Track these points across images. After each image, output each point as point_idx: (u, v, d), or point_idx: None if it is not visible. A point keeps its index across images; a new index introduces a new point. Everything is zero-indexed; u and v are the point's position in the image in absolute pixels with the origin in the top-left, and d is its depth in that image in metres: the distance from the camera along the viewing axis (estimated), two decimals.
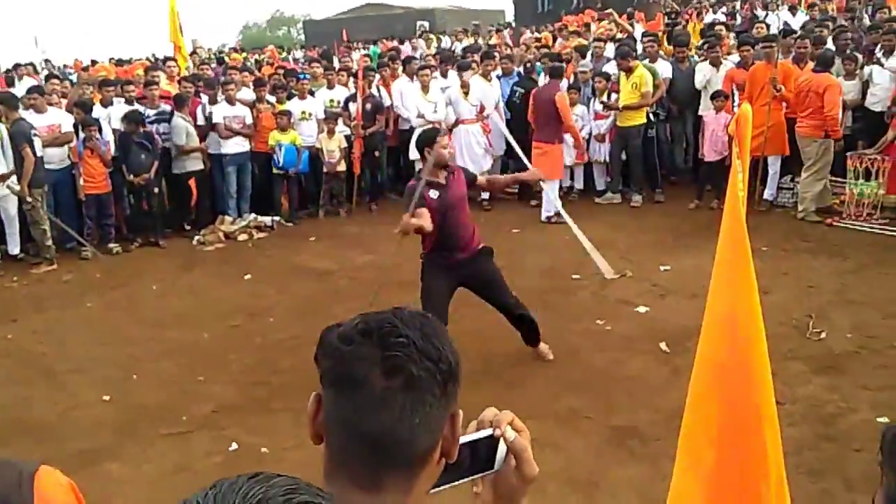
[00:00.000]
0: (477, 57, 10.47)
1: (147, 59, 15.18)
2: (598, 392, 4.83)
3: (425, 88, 9.49)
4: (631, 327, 5.81)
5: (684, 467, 1.73)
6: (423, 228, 4.81)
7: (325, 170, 9.51)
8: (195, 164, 9.05)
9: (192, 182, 9.11)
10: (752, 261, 1.66)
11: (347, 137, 9.58)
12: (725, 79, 8.94)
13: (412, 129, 9.39)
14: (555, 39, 14.39)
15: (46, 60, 17.13)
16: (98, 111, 8.85)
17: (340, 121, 9.56)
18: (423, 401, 0.98)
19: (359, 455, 0.99)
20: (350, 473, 0.99)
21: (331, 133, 9.40)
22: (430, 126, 5.40)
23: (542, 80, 9.84)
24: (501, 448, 1.12)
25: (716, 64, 9.13)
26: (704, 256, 6.96)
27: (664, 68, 9.54)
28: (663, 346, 5.35)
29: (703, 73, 9.20)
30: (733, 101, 8.85)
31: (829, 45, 9.28)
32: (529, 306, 6.32)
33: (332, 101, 9.85)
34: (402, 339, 0.99)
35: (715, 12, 16.66)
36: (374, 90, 9.92)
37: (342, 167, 9.55)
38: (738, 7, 16.67)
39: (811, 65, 8.30)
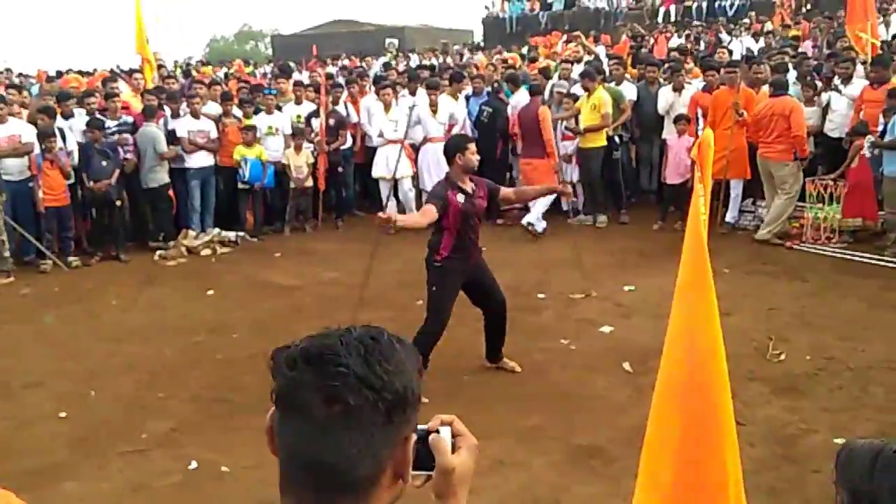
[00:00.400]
0: (446, 77, 10.54)
1: (111, 70, 14.97)
2: (562, 411, 4.84)
3: (387, 107, 9.51)
4: (595, 347, 5.84)
5: (644, 486, 1.74)
6: (415, 225, 5.09)
7: (291, 185, 9.47)
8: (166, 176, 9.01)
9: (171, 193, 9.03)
10: (712, 282, 1.68)
11: (314, 153, 9.57)
12: (691, 102, 9.11)
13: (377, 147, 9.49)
14: (531, 60, 14.51)
15: (8, 70, 16.83)
16: (59, 123, 8.71)
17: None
18: (362, 430, 0.97)
19: (303, 479, 0.99)
20: (298, 494, 1.00)
21: (298, 148, 9.38)
22: (461, 133, 5.56)
23: (513, 99, 9.94)
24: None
25: (678, 88, 9.29)
26: (668, 277, 6.98)
27: (629, 91, 9.69)
28: (626, 365, 5.39)
29: (666, 98, 9.36)
30: (698, 124, 9.00)
31: (791, 71, 9.51)
32: None
33: (298, 116, 9.83)
34: (342, 369, 0.98)
35: (679, 37, 17.00)
36: (340, 106, 9.93)
37: (309, 183, 9.52)
38: (701, 32, 17.01)
39: (766, 89, 8.50)
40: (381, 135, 9.46)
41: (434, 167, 9.40)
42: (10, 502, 1.37)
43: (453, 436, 1.17)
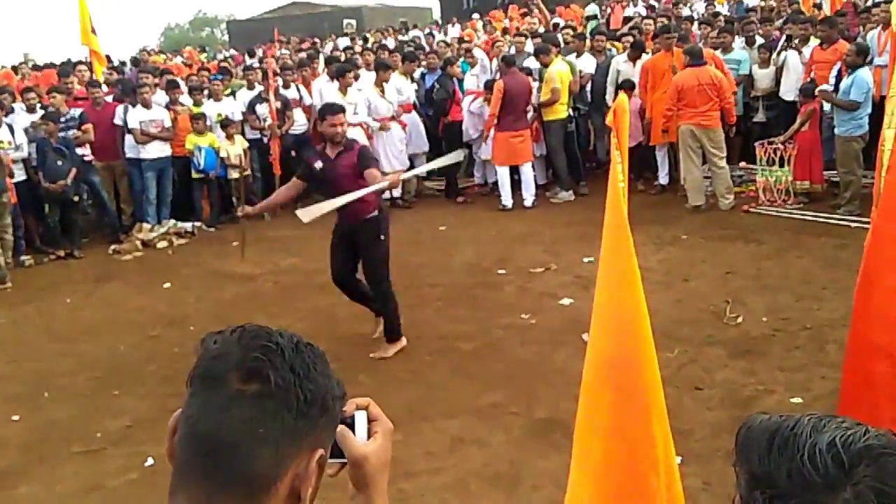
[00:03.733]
0: (399, 56, 10.42)
1: (51, 63, 14.55)
2: (522, 386, 4.83)
3: (343, 90, 9.34)
4: (555, 320, 5.83)
5: (577, 462, 1.71)
6: (280, 201, 6.07)
7: (232, 175, 9.29)
8: None
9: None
10: (633, 252, 1.65)
11: (253, 140, 9.44)
12: (642, 70, 9.10)
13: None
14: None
15: None
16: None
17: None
18: (275, 413, 0.92)
19: (195, 466, 0.92)
20: (186, 493, 0.92)
21: (230, 137, 9.21)
22: (329, 103, 5.64)
23: (470, 76, 9.89)
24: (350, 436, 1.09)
25: (633, 59, 9.25)
26: None
27: (587, 63, 9.65)
28: (585, 337, 5.36)
29: (619, 69, 9.32)
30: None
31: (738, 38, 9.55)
32: (456, 302, 6.37)
33: (248, 102, 9.68)
34: (271, 346, 0.94)
35: (636, 5, 16.97)
36: (292, 90, 9.79)
37: (247, 172, 9.38)
38: (654, 2, 16.98)
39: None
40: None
41: (389, 146, 9.32)
42: None
43: (369, 420, 1.12)
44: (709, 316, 5.63)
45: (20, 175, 8.24)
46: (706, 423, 4.22)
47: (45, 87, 9.88)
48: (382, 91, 9.27)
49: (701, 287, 6.17)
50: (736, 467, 0.98)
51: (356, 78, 9.50)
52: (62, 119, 8.69)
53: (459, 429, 4.39)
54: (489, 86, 9.12)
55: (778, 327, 5.37)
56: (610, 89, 9.25)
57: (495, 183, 9.60)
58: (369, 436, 1.10)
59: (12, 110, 8.80)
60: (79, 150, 8.61)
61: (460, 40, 13.44)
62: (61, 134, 8.52)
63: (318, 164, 5.37)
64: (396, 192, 9.44)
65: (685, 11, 13.49)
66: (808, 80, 8.35)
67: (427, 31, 18.59)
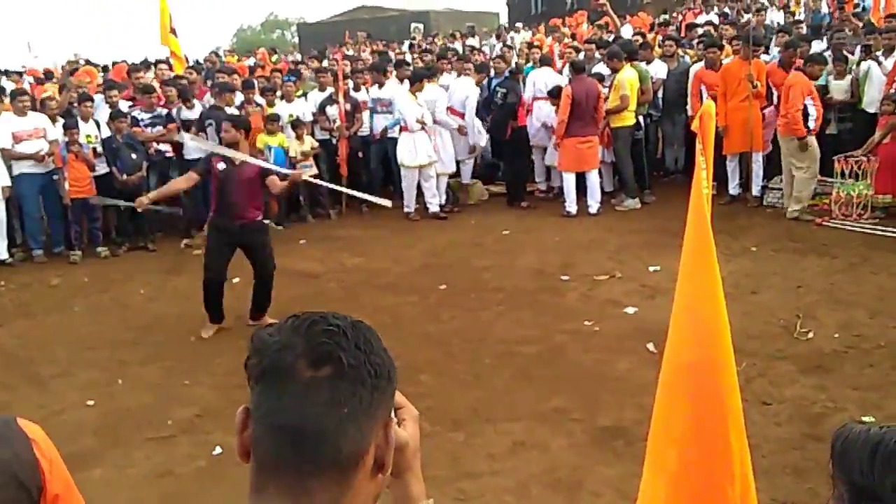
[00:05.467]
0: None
1: (124, 61, 15.01)
2: (585, 392, 4.81)
3: (414, 94, 9.41)
4: (619, 327, 5.79)
5: (651, 469, 1.71)
6: (174, 190, 6.47)
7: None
8: None
9: None
10: (716, 259, 1.64)
11: (322, 141, 9.56)
12: (694, 79, 8.97)
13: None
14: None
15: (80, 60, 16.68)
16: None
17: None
18: (352, 392, 0.94)
19: (284, 456, 0.93)
20: (277, 482, 0.94)
21: (299, 138, 9.34)
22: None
23: (530, 78, 9.85)
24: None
25: (712, 65, 9.07)
26: None
27: (658, 69, 9.55)
28: (650, 346, 5.33)
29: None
30: (701, 101, 8.89)
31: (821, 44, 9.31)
32: (518, 306, 6.37)
33: (319, 103, 9.83)
34: (332, 329, 0.96)
35: (707, 13, 16.69)
36: (362, 92, 9.93)
37: (314, 171, 9.48)
38: (728, 9, 16.68)
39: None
40: (419, 121, 9.33)
41: (442, 150, 9.38)
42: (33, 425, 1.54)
43: (396, 407, 1.12)
44: (778, 330, 5.51)
45: (102, 168, 8.54)
46: (774, 439, 4.13)
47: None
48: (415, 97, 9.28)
49: (770, 300, 6.04)
50: (833, 476, 0.98)
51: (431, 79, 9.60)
52: (150, 116, 8.98)
53: (521, 432, 4.39)
54: (555, 93, 9.11)
55: (850, 344, 5.23)
56: (690, 97, 9.18)
57: (560, 188, 9.57)
58: (399, 424, 1.11)
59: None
60: (161, 147, 8.90)
61: (529, 45, 13.42)
62: (147, 130, 8.81)
63: (221, 167, 5.76)
64: (434, 208, 9.46)
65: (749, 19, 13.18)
66: (892, 90, 8.09)
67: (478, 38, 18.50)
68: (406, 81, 9.79)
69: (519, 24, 21.36)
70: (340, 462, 0.94)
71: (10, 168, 8.25)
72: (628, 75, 8.90)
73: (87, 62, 15.78)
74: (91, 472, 4.27)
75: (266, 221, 5.84)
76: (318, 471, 0.93)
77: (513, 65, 10.76)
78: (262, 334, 0.99)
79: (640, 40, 10.79)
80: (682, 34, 12.78)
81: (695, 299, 1.64)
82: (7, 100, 8.64)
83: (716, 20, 14.57)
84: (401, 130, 9.34)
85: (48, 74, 14.33)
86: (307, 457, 0.93)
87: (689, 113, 9.36)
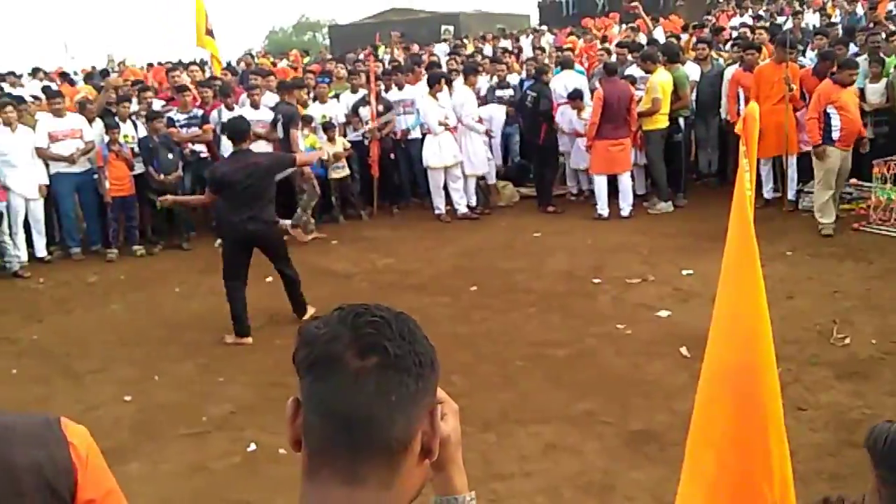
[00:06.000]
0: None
1: (159, 63, 15.23)
2: (616, 396, 4.79)
3: (434, 95, 9.41)
4: (651, 331, 5.75)
5: (689, 473, 1.71)
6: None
7: (331, 176, 9.48)
8: None
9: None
10: (758, 262, 1.63)
11: (355, 143, 9.60)
12: (731, 81, 8.88)
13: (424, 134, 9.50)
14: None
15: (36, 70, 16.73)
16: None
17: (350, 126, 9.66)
18: (399, 381, 0.97)
19: (336, 443, 0.97)
20: (330, 468, 0.97)
21: (331, 140, 9.40)
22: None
23: (559, 82, 9.82)
24: None
25: (751, 67, 8.97)
26: None
27: (692, 71, 9.49)
28: (684, 350, 5.29)
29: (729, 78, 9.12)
30: (738, 103, 8.80)
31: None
32: (549, 308, 6.36)
33: (352, 105, 9.88)
34: (377, 320, 0.99)
35: (741, 15, 16.54)
36: (393, 92, 9.98)
37: (346, 172, 9.54)
38: (762, 12, 16.52)
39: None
40: (442, 122, 9.35)
41: (473, 152, 9.39)
42: (77, 425, 1.51)
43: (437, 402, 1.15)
44: (814, 335, 5.44)
45: (139, 168, 8.68)
46: (810, 445, 4.08)
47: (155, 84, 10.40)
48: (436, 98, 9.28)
49: (806, 305, 5.96)
50: (879, 475, 0.97)
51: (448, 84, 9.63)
52: (185, 116, 9.12)
53: (552, 435, 4.39)
54: (575, 96, 9.11)
55: (888, 350, 5.15)
56: (724, 101, 9.12)
57: (591, 191, 9.54)
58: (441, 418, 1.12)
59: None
60: (196, 148, 9.03)
61: (559, 48, 13.39)
62: (183, 131, 8.94)
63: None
64: (462, 209, 9.47)
65: (789, 24, 13.03)
66: None
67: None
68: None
69: (544, 27, 21.30)
70: (390, 448, 0.98)
71: (47, 167, 8.41)
72: (661, 78, 8.84)
73: (121, 64, 16.04)
74: (127, 466, 4.33)
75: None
76: (369, 456, 0.97)
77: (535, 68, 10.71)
78: (309, 327, 1.03)
79: (674, 43, 10.73)
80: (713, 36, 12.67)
81: (737, 302, 1.64)
82: (44, 100, 8.82)
83: (750, 22, 14.44)
84: (425, 133, 9.40)
85: (90, 75, 14.57)
86: (359, 443, 0.96)
87: (723, 116, 9.29)
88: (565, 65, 10.16)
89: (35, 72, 14.39)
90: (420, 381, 0.99)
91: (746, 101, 8.26)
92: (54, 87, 11.72)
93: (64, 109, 8.55)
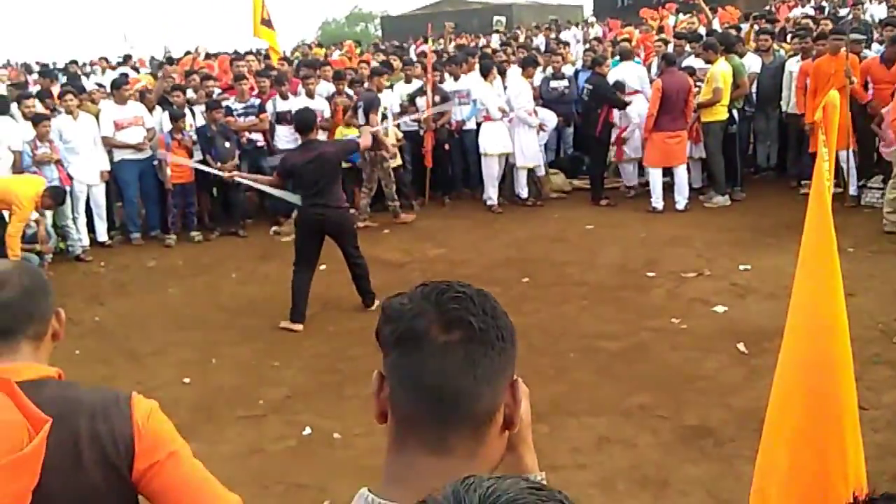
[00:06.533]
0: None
1: (225, 52, 15.47)
2: (671, 390, 4.74)
3: (490, 82, 9.43)
4: (707, 326, 5.67)
5: (762, 470, 1.68)
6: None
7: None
8: None
9: None
10: (836, 254, 1.60)
11: (409, 133, 9.61)
12: (800, 73, 8.67)
13: (479, 123, 9.51)
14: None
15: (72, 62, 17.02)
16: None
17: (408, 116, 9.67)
18: (483, 353, 1.00)
19: (425, 413, 1.00)
20: (418, 437, 1.01)
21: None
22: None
23: (619, 73, 9.69)
24: None
25: (806, 59, 8.79)
26: (786, 256, 6.73)
27: (753, 62, 9.30)
28: (741, 346, 5.21)
29: (792, 70, 8.91)
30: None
31: None
32: (602, 301, 6.31)
33: (408, 95, 9.91)
34: (460, 296, 1.02)
35: (803, 6, 16.15)
36: (448, 82, 9.98)
37: (398, 162, 9.56)
38: (825, 3, 16.10)
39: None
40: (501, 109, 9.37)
41: (525, 143, 9.35)
42: (149, 401, 1.59)
43: None
44: (876, 334, 5.31)
45: (197, 156, 8.84)
46: (871, 445, 3.94)
47: (220, 73, 10.57)
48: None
49: (868, 303, 5.81)
50: None
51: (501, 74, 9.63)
52: (243, 106, 9.26)
53: (605, 427, 4.36)
54: (617, 88, 9.06)
55: None
56: (786, 93, 8.95)
57: (645, 184, 9.41)
58: None
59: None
60: (253, 137, 9.17)
61: (613, 41, 13.23)
62: (240, 120, 9.09)
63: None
64: (524, 192, 9.50)
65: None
66: None
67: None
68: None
69: (592, 18, 21.11)
70: (476, 418, 1.01)
71: (110, 154, 8.63)
72: (722, 68, 8.67)
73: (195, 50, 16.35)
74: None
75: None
76: (456, 427, 1.00)
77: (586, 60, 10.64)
78: (393, 303, 1.06)
79: (731, 33, 10.51)
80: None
81: (814, 295, 1.61)
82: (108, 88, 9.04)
83: (811, 13, 14.09)
84: (482, 121, 9.40)
85: (160, 63, 14.86)
86: (447, 414, 1.00)
87: (783, 108, 9.09)
88: (625, 56, 10.02)
89: (100, 60, 14.76)
90: (503, 354, 1.02)
91: (813, 93, 8.07)
92: (118, 76, 12.00)
93: (126, 96, 8.75)
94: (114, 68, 13.19)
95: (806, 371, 1.61)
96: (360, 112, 8.74)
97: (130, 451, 1.50)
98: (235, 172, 6.39)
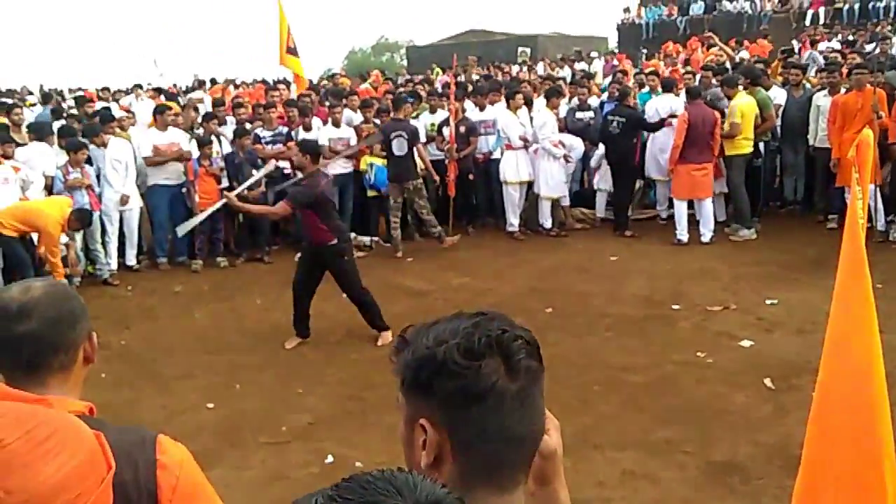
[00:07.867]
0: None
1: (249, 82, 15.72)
2: (697, 425, 4.68)
3: (514, 111, 9.48)
4: (733, 361, 5.62)
5: None
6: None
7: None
8: None
9: None
10: (871, 291, 1.59)
11: (435, 162, 9.66)
12: (832, 107, 8.65)
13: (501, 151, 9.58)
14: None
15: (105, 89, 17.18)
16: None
17: (433, 145, 9.73)
18: (539, 392, 1.06)
19: (505, 458, 1.03)
20: (487, 482, 1.03)
21: None
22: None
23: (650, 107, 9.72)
24: None
25: (834, 93, 8.77)
26: (814, 291, 6.70)
27: (778, 95, 9.29)
28: (768, 381, 5.15)
29: (819, 104, 8.90)
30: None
31: None
32: (626, 333, 6.28)
33: (432, 124, 9.99)
34: (519, 342, 1.04)
35: (829, 40, 16.14)
36: (473, 112, 10.05)
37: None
38: (851, 37, 16.09)
39: None
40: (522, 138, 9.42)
41: (548, 174, 9.37)
42: (177, 444, 1.54)
43: None
44: None
45: (224, 182, 8.96)
46: None
47: (253, 102, 10.75)
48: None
49: None
50: None
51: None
52: (271, 134, 9.39)
53: (631, 462, 4.32)
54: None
55: None
56: (812, 126, 8.91)
57: (670, 216, 9.38)
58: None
59: (224, 122, 9.63)
60: (280, 164, 9.27)
61: (640, 71, 13.28)
62: (268, 148, 9.22)
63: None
64: (548, 223, 9.53)
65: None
66: None
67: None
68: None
69: (594, 53, 21.28)
70: (534, 454, 1.08)
71: (143, 180, 8.78)
72: (741, 102, 8.68)
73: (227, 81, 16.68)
74: (210, 472, 4.37)
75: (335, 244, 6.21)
76: (526, 467, 1.07)
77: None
78: (455, 358, 1.02)
79: (755, 66, 10.53)
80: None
81: (849, 333, 1.60)
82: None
83: (837, 47, 14.07)
84: (503, 150, 9.47)
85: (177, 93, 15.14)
86: (527, 455, 1.06)
87: (810, 142, 9.06)
88: (667, 88, 10.02)
89: (134, 88, 15.03)
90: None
91: (840, 129, 8.05)
92: (147, 102, 12.24)
93: (168, 123, 8.93)
94: (151, 97, 13.40)
95: (843, 412, 1.60)
96: (404, 142, 8.78)
97: (154, 499, 1.45)
98: (233, 194, 6.49)
